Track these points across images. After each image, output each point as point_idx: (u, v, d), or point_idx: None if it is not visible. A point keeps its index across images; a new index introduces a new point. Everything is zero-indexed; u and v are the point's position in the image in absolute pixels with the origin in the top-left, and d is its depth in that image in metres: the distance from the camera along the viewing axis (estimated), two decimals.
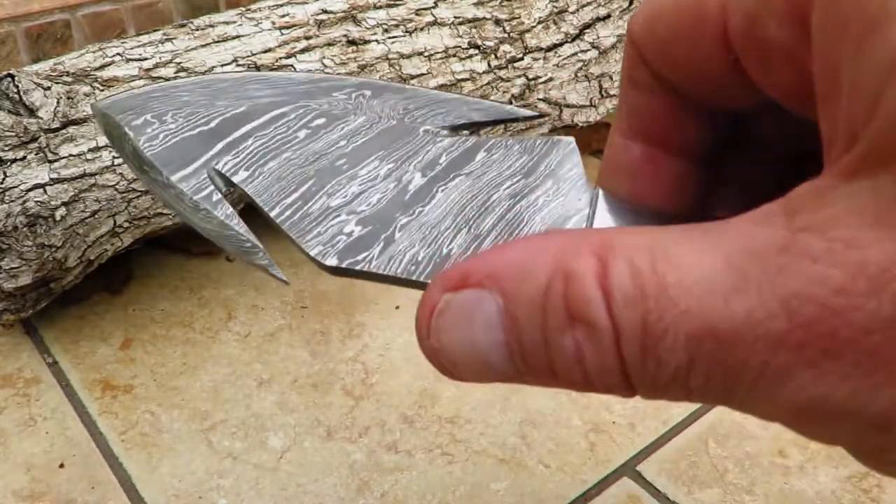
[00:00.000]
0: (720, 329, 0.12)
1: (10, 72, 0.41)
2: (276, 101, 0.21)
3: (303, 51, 0.48)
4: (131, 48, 0.45)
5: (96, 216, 0.43)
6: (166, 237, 0.50)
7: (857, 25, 0.12)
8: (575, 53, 0.58)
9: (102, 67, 0.44)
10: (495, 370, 0.15)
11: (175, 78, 0.44)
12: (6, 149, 0.40)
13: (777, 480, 0.39)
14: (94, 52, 0.45)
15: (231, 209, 0.20)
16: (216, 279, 0.52)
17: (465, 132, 0.22)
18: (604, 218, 0.19)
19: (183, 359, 0.46)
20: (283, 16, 0.49)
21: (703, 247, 0.13)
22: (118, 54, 0.45)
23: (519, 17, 0.55)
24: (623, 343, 0.13)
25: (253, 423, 0.42)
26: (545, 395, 0.43)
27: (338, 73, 0.48)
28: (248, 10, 0.49)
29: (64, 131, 0.41)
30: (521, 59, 0.55)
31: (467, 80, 0.53)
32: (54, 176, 0.41)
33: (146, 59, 0.45)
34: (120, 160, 0.42)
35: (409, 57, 0.51)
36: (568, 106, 0.58)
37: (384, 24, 0.51)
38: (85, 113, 0.42)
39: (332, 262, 0.19)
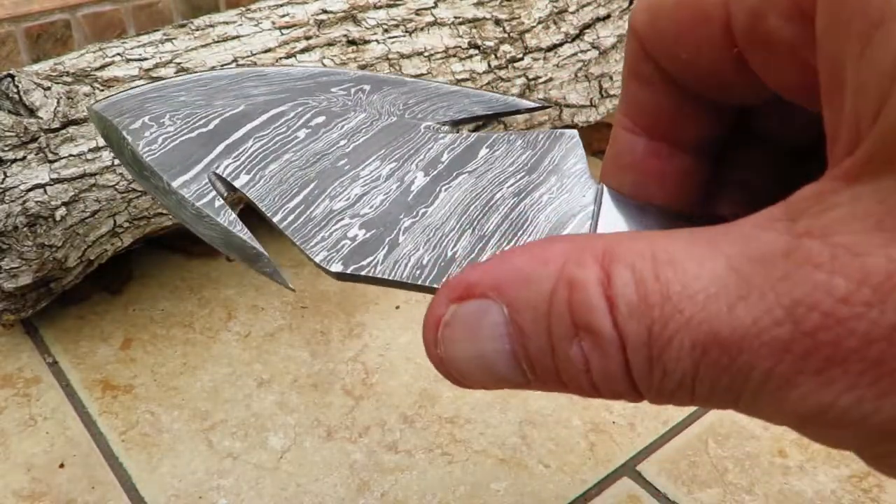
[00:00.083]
0: (725, 337, 0.12)
1: (10, 72, 0.41)
2: (275, 99, 0.21)
3: (303, 51, 0.48)
4: (131, 48, 0.45)
5: (96, 216, 0.43)
6: (166, 237, 0.50)
7: (861, 24, 0.12)
8: (575, 53, 0.58)
9: (102, 67, 0.44)
10: (503, 378, 0.15)
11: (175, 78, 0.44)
12: (6, 149, 0.40)
13: (777, 480, 0.39)
14: (94, 52, 0.45)
15: (234, 215, 0.20)
16: (216, 279, 0.52)
17: (467, 126, 0.21)
18: (608, 216, 0.19)
19: (183, 359, 0.46)
20: (283, 16, 0.49)
21: (706, 252, 0.13)
22: (118, 54, 0.45)
23: (519, 17, 0.55)
24: (629, 351, 0.13)
25: (253, 423, 0.42)
26: (545, 395, 0.43)
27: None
28: (248, 10, 0.49)
29: (64, 131, 0.41)
30: (521, 59, 0.55)
31: (467, 80, 0.53)
32: (54, 176, 0.41)
33: (146, 59, 0.45)
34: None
35: (409, 57, 0.51)
36: (568, 106, 0.58)
37: (384, 24, 0.51)
38: (85, 113, 0.42)
39: (337, 267, 0.18)
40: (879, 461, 0.13)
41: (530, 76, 0.56)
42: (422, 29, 0.52)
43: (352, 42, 0.50)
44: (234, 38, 0.47)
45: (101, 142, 0.42)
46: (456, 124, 0.21)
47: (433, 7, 0.52)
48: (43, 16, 0.63)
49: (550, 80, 0.57)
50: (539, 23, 0.56)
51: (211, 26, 0.47)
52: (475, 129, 0.22)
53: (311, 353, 0.46)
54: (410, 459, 0.40)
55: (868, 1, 0.12)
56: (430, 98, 0.21)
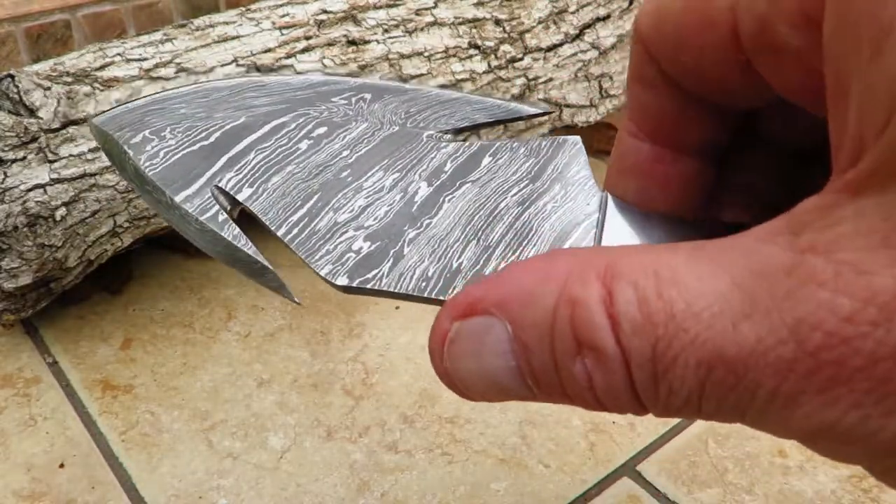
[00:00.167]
0: (730, 356, 0.12)
1: (11, 72, 0.41)
2: (275, 109, 0.21)
3: (303, 51, 0.48)
4: (131, 48, 0.45)
5: (96, 216, 0.43)
6: (166, 237, 0.50)
7: (870, 32, 0.12)
8: (575, 53, 0.58)
9: (102, 68, 0.44)
10: (509, 392, 0.16)
11: (175, 78, 0.44)
12: (6, 149, 0.40)
13: (777, 480, 0.39)
14: (94, 52, 0.45)
15: (238, 230, 0.19)
16: (216, 279, 0.52)
17: (470, 134, 0.21)
18: (613, 224, 0.19)
19: (183, 359, 0.46)
20: (284, 16, 0.49)
21: (709, 269, 0.13)
22: (118, 54, 0.45)
23: (519, 18, 0.55)
24: (633, 368, 0.13)
25: (253, 423, 0.42)
26: None
27: (336, 73, 0.48)
28: (249, 10, 0.49)
29: (64, 131, 0.41)
30: (521, 59, 0.55)
31: (467, 80, 0.53)
32: (54, 176, 0.41)
33: (146, 59, 0.45)
34: None
35: (409, 57, 0.51)
36: (568, 106, 0.58)
37: (384, 24, 0.51)
38: (85, 113, 0.42)
39: (342, 281, 0.18)
40: (888, 475, 0.13)
41: (530, 76, 0.56)
42: (422, 29, 0.52)
43: (352, 42, 0.50)
44: (234, 38, 0.47)
45: None
46: (458, 132, 0.21)
47: (433, 7, 0.52)
48: (43, 16, 0.63)
49: (550, 80, 0.57)
50: (539, 23, 0.56)
51: (211, 26, 0.47)
52: (474, 127, 0.22)
53: (311, 353, 0.46)
54: (410, 459, 0.40)
55: (878, 9, 0.11)
56: (432, 106, 0.21)
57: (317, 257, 0.19)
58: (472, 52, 0.53)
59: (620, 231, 0.19)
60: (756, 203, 0.20)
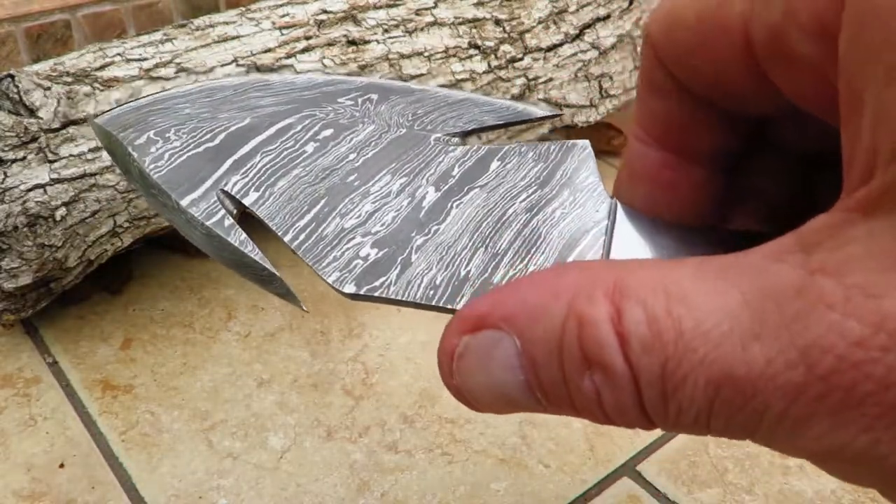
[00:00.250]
0: (739, 376, 0.12)
1: (11, 72, 0.41)
2: (281, 110, 0.20)
3: (303, 51, 0.48)
4: (131, 48, 0.45)
5: (96, 216, 0.43)
6: (166, 237, 0.50)
7: (887, 53, 0.11)
8: (575, 53, 0.58)
9: (102, 68, 0.44)
10: (518, 404, 0.16)
11: (175, 78, 0.44)
12: (6, 149, 0.40)
13: (777, 480, 0.39)
14: (94, 52, 0.45)
15: (245, 235, 0.19)
16: (216, 279, 0.52)
17: (477, 137, 0.21)
18: (622, 232, 0.19)
19: (183, 359, 0.46)
20: (284, 16, 0.49)
21: (718, 287, 0.13)
22: (118, 54, 0.45)
23: (519, 18, 0.55)
24: (642, 387, 0.13)
25: (253, 423, 0.42)
26: None
27: (339, 73, 0.48)
28: (248, 10, 0.49)
29: (64, 131, 0.41)
30: (521, 59, 0.55)
31: (467, 80, 0.53)
32: (54, 176, 0.41)
33: (146, 59, 0.45)
34: None
35: (409, 57, 0.51)
36: (568, 106, 0.58)
37: (384, 24, 0.51)
38: (85, 113, 0.42)
39: (350, 289, 0.18)
40: None
41: (530, 76, 0.56)
42: (422, 29, 0.52)
43: (352, 42, 0.50)
44: (234, 38, 0.47)
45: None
46: (466, 135, 0.21)
47: (433, 7, 0.52)
48: (43, 16, 0.63)
49: (550, 80, 0.57)
50: (539, 23, 0.56)
51: (211, 26, 0.47)
52: (482, 129, 0.22)
53: (311, 353, 0.46)
54: (410, 459, 0.40)
55: (894, 31, 0.11)
56: (439, 108, 0.21)
57: (324, 264, 0.18)
58: (472, 52, 0.53)
59: (630, 239, 0.18)
60: (766, 209, 0.19)
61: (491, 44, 0.54)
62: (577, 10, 0.58)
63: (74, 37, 0.65)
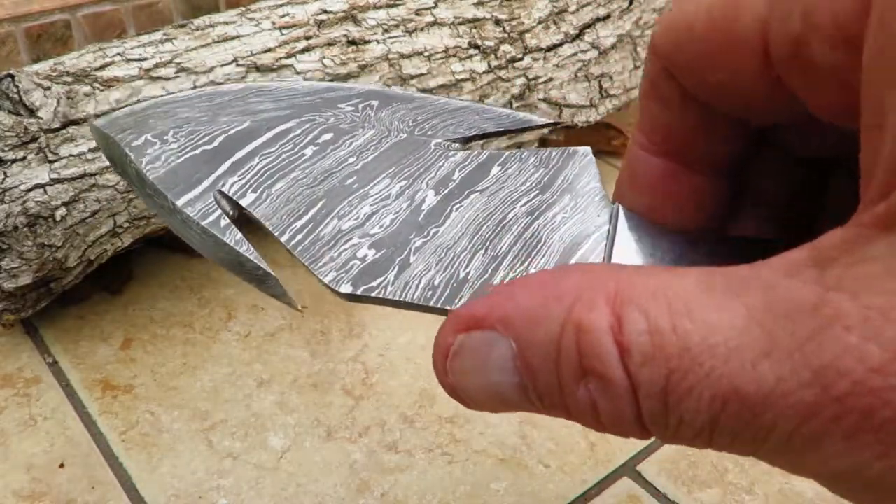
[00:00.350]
0: (747, 393, 0.12)
1: (11, 72, 0.41)
2: (280, 115, 0.20)
3: (303, 51, 0.48)
4: (131, 48, 0.45)
5: (96, 216, 0.43)
6: (166, 237, 0.50)
7: None
8: (575, 53, 0.58)
9: (102, 67, 0.44)
10: (512, 405, 0.15)
11: (175, 78, 0.44)
12: (6, 149, 0.40)
13: (777, 480, 0.39)
14: (94, 52, 0.45)
15: (240, 235, 0.19)
16: (216, 279, 0.52)
17: (478, 143, 0.21)
18: (623, 237, 0.18)
19: (183, 359, 0.46)
20: (283, 16, 0.49)
21: (725, 301, 0.13)
22: (118, 54, 0.45)
23: (519, 17, 0.55)
24: (641, 399, 0.13)
25: (253, 423, 0.42)
26: None
27: (339, 78, 0.48)
28: (248, 10, 0.49)
29: (64, 131, 0.41)
30: (521, 59, 0.55)
31: (467, 80, 0.53)
32: (54, 176, 0.41)
33: (146, 59, 0.45)
34: None
35: (409, 57, 0.51)
36: (568, 106, 0.58)
37: (384, 24, 0.51)
38: (85, 113, 0.42)
39: (346, 289, 0.18)
40: None
41: (530, 76, 0.56)
42: (422, 29, 0.52)
43: (352, 42, 0.50)
44: (234, 38, 0.47)
45: None
46: (466, 141, 0.21)
47: (433, 7, 0.52)
48: (43, 16, 0.63)
49: (550, 80, 0.57)
50: (539, 23, 0.56)
51: (211, 26, 0.47)
52: (482, 136, 0.22)
53: (311, 353, 0.46)
54: (410, 459, 0.40)
55: None
56: (440, 114, 0.21)
57: (320, 264, 0.18)
58: (472, 52, 0.53)
59: (631, 244, 0.18)
60: (767, 211, 0.19)
61: (491, 44, 0.54)
62: (577, 10, 0.58)
63: (74, 37, 0.65)
